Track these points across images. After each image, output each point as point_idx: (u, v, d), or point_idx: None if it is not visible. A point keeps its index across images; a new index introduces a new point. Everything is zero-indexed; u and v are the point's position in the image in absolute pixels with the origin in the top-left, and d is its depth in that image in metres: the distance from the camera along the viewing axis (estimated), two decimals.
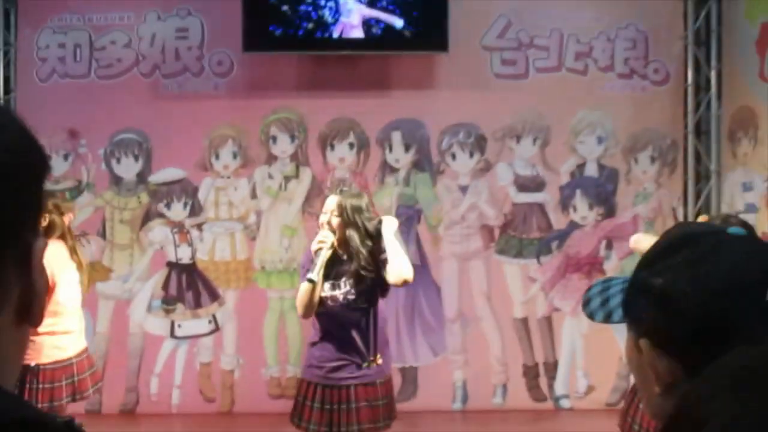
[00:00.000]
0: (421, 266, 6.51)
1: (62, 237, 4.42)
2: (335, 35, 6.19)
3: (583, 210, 6.70)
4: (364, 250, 3.81)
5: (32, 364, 4.05)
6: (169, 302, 6.48)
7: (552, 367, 6.63)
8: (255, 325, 6.52)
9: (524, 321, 6.66)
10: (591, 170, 6.68)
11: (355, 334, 3.85)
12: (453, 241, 6.62)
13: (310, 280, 3.72)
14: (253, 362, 6.52)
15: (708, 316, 0.92)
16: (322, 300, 3.84)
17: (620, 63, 6.66)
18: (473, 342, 6.57)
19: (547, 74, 6.63)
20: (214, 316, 6.52)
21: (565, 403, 6.58)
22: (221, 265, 6.53)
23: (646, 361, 0.98)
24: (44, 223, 4.17)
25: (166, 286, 6.50)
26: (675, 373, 0.95)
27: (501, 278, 6.63)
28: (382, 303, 4.04)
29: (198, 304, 6.51)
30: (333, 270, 3.83)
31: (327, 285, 3.84)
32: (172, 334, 6.48)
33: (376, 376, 3.91)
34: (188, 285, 6.50)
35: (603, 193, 6.68)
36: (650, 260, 1.02)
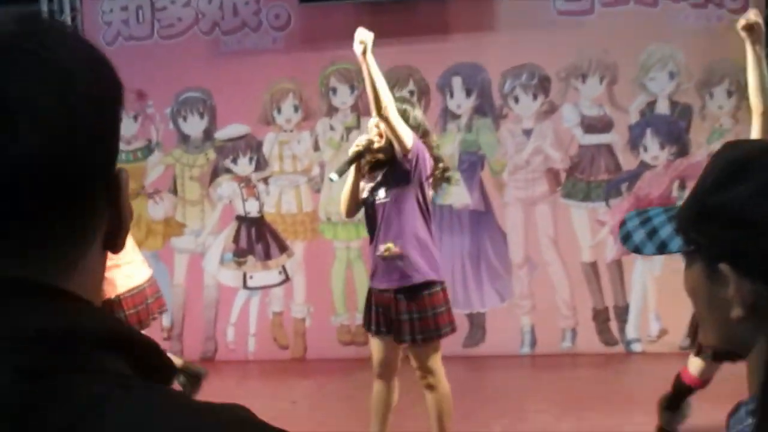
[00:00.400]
0: (486, 212, 6.11)
1: None
2: None
3: (654, 149, 6.20)
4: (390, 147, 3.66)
5: (113, 296, 4.23)
6: (240, 255, 6.28)
7: (623, 311, 6.11)
8: (323, 274, 6.23)
9: (593, 265, 6.32)
10: (662, 108, 6.00)
11: (384, 228, 3.71)
12: (518, 186, 6.13)
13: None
14: (323, 311, 6.28)
15: None
16: (363, 201, 3.77)
17: None
18: (540, 287, 6.10)
19: (613, 8, 5.91)
20: (283, 267, 6.29)
21: (636, 347, 6.08)
22: (288, 218, 6.26)
23: (728, 285, 0.93)
24: None
25: (236, 239, 6.29)
26: (761, 294, 0.91)
27: (568, 222, 6.08)
28: (411, 202, 3.73)
29: (268, 256, 6.29)
30: (374, 173, 3.76)
31: (367, 187, 3.77)
32: (245, 285, 6.31)
33: (409, 283, 3.69)
34: (257, 238, 6.28)
35: (675, 131, 5.99)
36: (715, 185, 0.95)
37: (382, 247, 3.71)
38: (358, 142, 3.71)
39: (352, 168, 3.71)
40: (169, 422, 0.60)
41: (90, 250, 0.68)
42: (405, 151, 3.63)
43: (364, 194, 3.76)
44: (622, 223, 1.07)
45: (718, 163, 0.98)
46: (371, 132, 3.74)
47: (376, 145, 3.69)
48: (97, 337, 0.63)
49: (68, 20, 6.26)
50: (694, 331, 3.69)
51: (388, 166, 3.70)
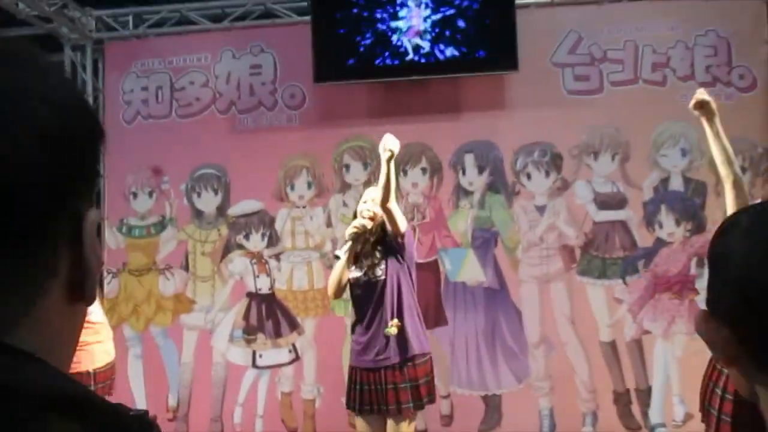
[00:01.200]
0: (500, 290, 5.90)
1: None
2: (405, 59, 5.92)
3: (669, 226, 5.98)
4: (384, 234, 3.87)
5: (90, 370, 4.27)
6: (250, 332, 6.05)
7: (645, 394, 5.76)
8: (334, 353, 5.95)
9: (612, 345, 5.97)
10: (676, 184, 5.87)
11: (380, 307, 3.81)
12: (532, 264, 5.93)
13: (337, 256, 3.85)
14: (334, 391, 5.92)
15: (752, 285, 0.81)
16: (349, 282, 3.87)
17: (701, 71, 5.92)
18: (558, 368, 5.79)
19: (622, 87, 5.91)
20: (293, 345, 6.04)
21: None
22: (299, 294, 6.07)
23: (708, 332, 0.88)
24: None
25: (246, 316, 6.08)
26: (731, 345, 0.85)
27: (584, 300, 5.84)
28: (406, 279, 3.89)
29: (278, 334, 6.05)
30: (361, 254, 3.87)
31: (354, 268, 3.90)
32: (254, 364, 6.05)
33: (399, 357, 3.77)
34: (268, 314, 6.07)
35: (691, 207, 5.84)
36: (721, 231, 0.92)
37: (391, 323, 3.79)
38: (355, 224, 3.85)
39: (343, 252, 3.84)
40: None
41: (46, 299, 0.59)
42: (400, 234, 3.85)
43: (356, 274, 3.88)
44: None
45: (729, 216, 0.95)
46: (364, 214, 3.90)
47: (370, 227, 3.86)
48: (44, 397, 0.53)
49: (90, 99, 6.21)
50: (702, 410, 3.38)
51: (381, 247, 3.86)
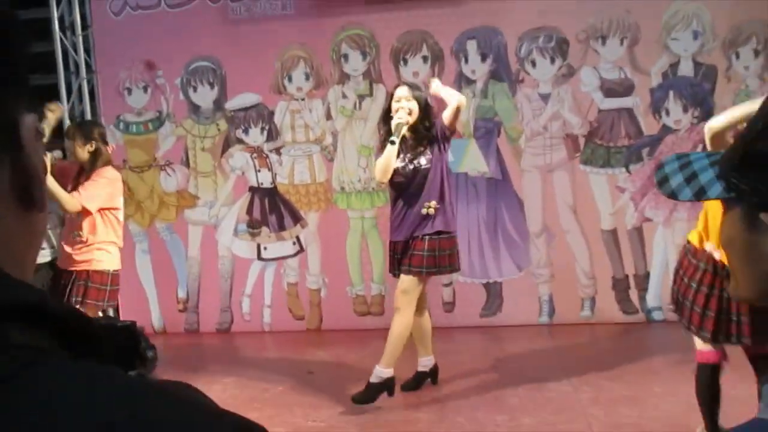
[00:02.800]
0: (503, 180, 5.66)
1: (108, 163, 4.20)
2: None
3: (676, 113, 5.54)
4: (421, 126, 4.10)
5: (111, 270, 4.17)
6: (254, 226, 5.89)
7: (643, 279, 5.64)
8: (338, 245, 5.83)
9: (613, 232, 5.71)
10: (686, 69, 5.45)
11: (423, 192, 4.08)
12: (535, 153, 5.62)
13: (392, 142, 3.95)
14: (338, 281, 5.87)
15: None
16: (394, 171, 4.08)
17: None
18: (559, 256, 5.65)
19: None
20: (297, 238, 5.89)
21: (657, 315, 5.60)
22: (301, 188, 5.84)
23: (759, 234, 0.80)
24: (90, 149, 4.09)
25: (250, 210, 5.90)
26: None
27: (587, 189, 5.60)
28: (445, 167, 4.16)
29: (282, 227, 5.89)
30: (402, 147, 4.07)
31: (397, 159, 4.08)
32: (259, 257, 5.92)
33: (432, 230, 4.09)
34: (271, 208, 5.88)
35: (699, 93, 5.44)
36: (765, 128, 0.80)
37: (428, 204, 4.08)
38: (400, 117, 4.01)
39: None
40: (84, 404, 0.47)
41: None
42: (453, 131, 4.19)
43: (399, 164, 4.09)
44: (660, 166, 0.91)
45: (766, 106, 0.83)
46: (400, 114, 4.03)
47: (409, 121, 4.06)
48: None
49: None
50: (675, 302, 3.38)
51: (426, 140, 4.10)
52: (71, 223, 4.10)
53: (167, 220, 6.01)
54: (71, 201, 3.94)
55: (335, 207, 5.85)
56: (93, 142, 4.07)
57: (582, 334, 5.57)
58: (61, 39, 5.75)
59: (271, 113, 5.83)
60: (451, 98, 4.10)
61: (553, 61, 5.58)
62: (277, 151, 5.87)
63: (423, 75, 5.66)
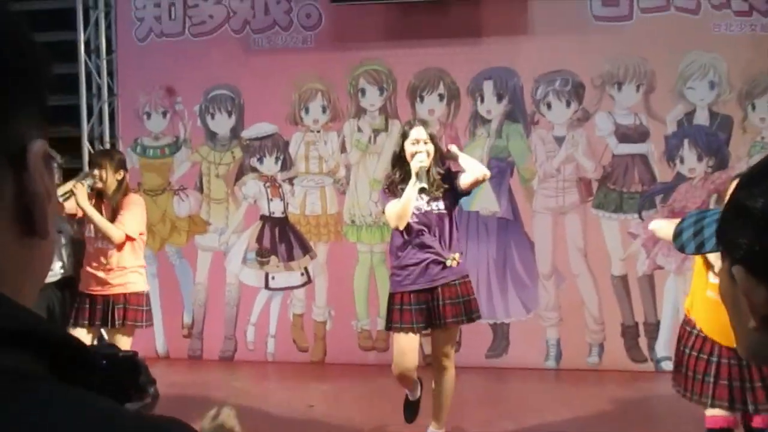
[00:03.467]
0: (514, 220, 5.63)
1: (129, 190, 4.37)
2: None
3: (691, 161, 5.50)
4: (441, 169, 3.97)
5: (146, 290, 4.29)
6: (263, 254, 5.87)
7: (653, 328, 5.54)
8: (345, 278, 5.80)
9: (623, 279, 5.63)
10: (701, 118, 5.43)
11: (436, 237, 3.91)
12: (547, 195, 5.59)
13: (423, 189, 3.79)
14: (344, 314, 5.82)
15: None
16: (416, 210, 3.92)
17: None
18: (568, 299, 5.57)
19: (652, 15, 5.38)
20: (306, 269, 5.86)
21: (666, 365, 5.38)
22: (312, 219, 5.83)
23: (741, 291, 0.79)
24: (119, 177, 4.19)
25: (260, 238, 5.89)
26: None
27: (598, 234, 5.55)
28: (456, 216, 4.06)
29: (290, 257, 5.87)
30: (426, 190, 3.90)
31: (423, 198, 3.90)
32: (267, 286, 5.90)
33: (455, 276, 3.94)
34: (281, 238, 5.87)
35: (714, 142, 5.41)
36: (751, 180, 0.81)
37: (452, 255, 3.93)
38: (421, 161, 3.84)
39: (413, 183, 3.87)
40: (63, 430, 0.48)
41: None
42: (468, 192, 4.06)
43: (419, 203, 3.92)
44: (681, 221, 0.95)
45: (764, 159, 0.84)
46: (420, 158, 3.85)
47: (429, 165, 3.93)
48: None
49: (102, 16, 5.70)
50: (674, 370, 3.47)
51: (448, 186, 3.94)
52: (99, 248, 4.16)
53: (177, 244, 6.01)
54: (116, 231, 4.07)
55: (345, 240, 5.83)
56: (122, 170, 4.20)
57: (589, 380, 5.46)
58: (85, 62, 5.85)
59: (287, 143, 5.86)
60: (473, 168, 3.91)
61: (568, 104, 5.59)
62: (290, 181, 5.88)
63: (438, 113, 5.69)
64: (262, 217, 5.92)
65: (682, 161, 5.50)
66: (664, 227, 3.34)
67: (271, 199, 5.88)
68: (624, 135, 5.54)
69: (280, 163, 5.87)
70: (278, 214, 5.90)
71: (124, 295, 4.17)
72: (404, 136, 3.93)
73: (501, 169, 5.66)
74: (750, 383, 3.14)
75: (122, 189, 4.19)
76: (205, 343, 6.03)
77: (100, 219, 4.02)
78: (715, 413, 3.32)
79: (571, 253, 5.63)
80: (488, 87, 5.64)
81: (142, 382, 0.82)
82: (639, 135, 5.53)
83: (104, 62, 5.91)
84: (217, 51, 5.81)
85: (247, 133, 5.90)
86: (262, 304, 5.95)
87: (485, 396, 5.19)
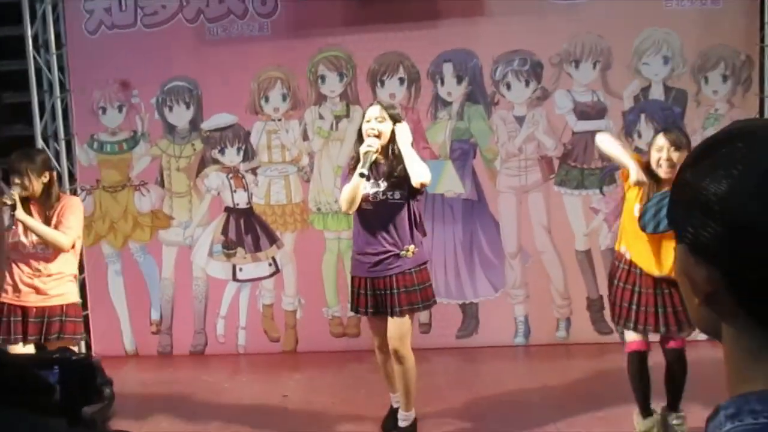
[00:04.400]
0: (479, 201, 5.66)
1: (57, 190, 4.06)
2: None
3: (648, 135, 5.54)
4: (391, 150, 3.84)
5: (78, 301, 4.09)
6: (229, 247, 5.79)
7: None
8: (314, 266, 5.77)
9: (587, 253, 5.72)
10: (657, 93, 5.52)
11: (391, 226, 3.84)
12: (510, 174, 5.63)
13: (362, 174, 3.68)
14: (314, 303, 5.80)
15: (742, 219, 0.73)
16: (363, 197, 3.81)
17: None
18: (534, 276, 5.65)
19: None
20: (273, 259, 5.80)
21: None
22: (277, 209, 5.76)
23: (683, 269, 0.80)
24: (45, 180, 3.89)
25: (225, 231, 5.80)
26: (714, 282, 0.76)
27: (561, 210, 5.62)
28: (418, 208, 3.95)
29: (257, 248, 5.80)
30: (373, 171, 3.81)
31: (367, 184, 3.80)
32: (234, 278, 5.83)
33: (411, 265, 3.89)
34: (247, 229, 5.79)
35: (670, 116, 5.48)
36: (694, 159, 0.80)
37: (407, 248, 3.87)
38: (369, 143, 3.75)
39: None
40: None
41: None
42: (419, 192, 3.88)
43: (372, 190, 3.82)
44: (647, 200, 1.01)
45: (709, 137, 0.84)
46: (369, 133, 3.79)
47: (379, 145, 3.80)
48: None
49: (49, 9, 5.51)
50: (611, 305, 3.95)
51: (403, 174, 3.78)
52: (34, 255, 3.87)
53: (141, 240, 5.89)
54: (65, 238, 3.80)
55: (311, 228, 5.79)
56: (47, 171, 3.90)
57: (558, 354, 5.56)
58: (35, 57, 5.65)
59: (248, 133, 5.77)
60: (415, 174, 3.71)
61: (527, 84, 5.61)
62: (254, 171, 5.80)
63: (400, 97, 5.66)
64: (227, 209, 5.84)
65: (639, 136, 5.58)
66: (606, 142, 3.90)
67: (235, 191, 5.80)
68: (582, 112, 5.61)
69: (242, 153, 5.78)
70: (243, 205, 5.82)
71: (62, 306, 3.93)
72: (363, 116, 3.93)
73: (464, 150, 5.68)
74: (663, 309, 3.65)
75: (52, 192, 3.90)
76: (175, 339, 5.95)
77: (45, 229, 3.77)
78: (632, 338, 3.84)
79: (535, 231, 5.69)
80: (448, 69, 5.63)
81: (99, 384, 0.80)
82: (597, 112, 5.60)
83: (54, 57, 5.71)
84: (171, 42, 5.66)
85: (206, 125, 5.79)
86: (231, 296, 5.89)
87: (458, 377, 5.22)
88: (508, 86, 5.63)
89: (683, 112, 5.54)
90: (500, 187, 5.68)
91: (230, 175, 5.80)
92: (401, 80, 5.66)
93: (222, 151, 5.79)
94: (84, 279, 5.84)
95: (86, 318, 5.99)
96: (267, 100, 5.73)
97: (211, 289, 5.91)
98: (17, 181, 3.78)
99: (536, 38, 5.52)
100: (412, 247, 3.86)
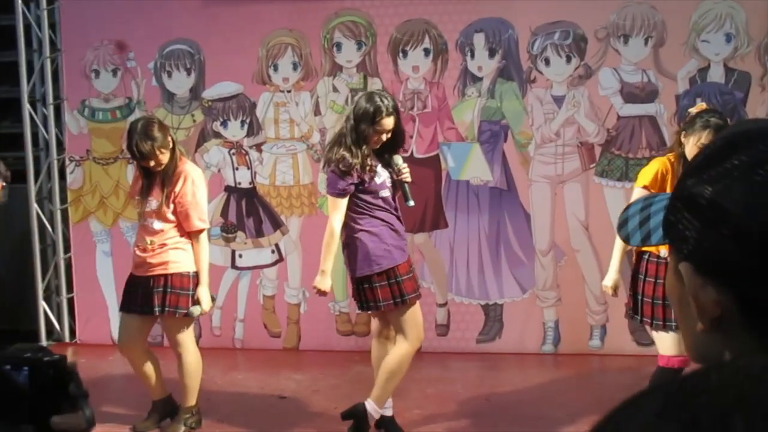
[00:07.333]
0: (508, 190, 5.29)
1: None
2: None
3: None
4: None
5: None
6: (228, 230, 5.47)
7: None
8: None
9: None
10: (716, 75, 5.05)
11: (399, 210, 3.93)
12: (545, 162, 5.22)
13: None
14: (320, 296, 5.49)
15: (763, 231, 0.67)
16: (380, 185, 3.78)
17: None
18: (567, 277, 5.24)
19: None
20: (277, 246, 5.48)
21: None
22: (283, 190, 5.43)
23: (688, 291, 0.73)
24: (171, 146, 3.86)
25: (225, 212, 5.49)
26: (724, 306, 0.70)
27: (601, 204, 5.19)
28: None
29: (259, 233, 5.48)
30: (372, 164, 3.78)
31: (377, 176, 3.80)
32: (233, 265, 5.51)
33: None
34: (248, 211, 5.48)
35: (730, 102, 5.02)
36: (700, 165, 0.74)
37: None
38: (407, 174, 3.83)
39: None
40: None
41: None
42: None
43: (386, 174, 3.82)
44: (626, 207, 0.86)
45: (715, 140, 0.77)
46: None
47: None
48: None
49: None
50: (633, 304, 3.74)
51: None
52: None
53: (133, 219, 5.50)
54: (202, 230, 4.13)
55: (320, 213, 5.38)
56: (169, 137, 3.83)
57: (590, 365, 5.26)
58: (23, 12, 5.38)
59: (253, 105, 5.43)
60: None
61: (569, 59, 5.17)
62: (258, 147, 5.47)
63: (424, 70, 5.31)
64: (227, 188, 5.51)
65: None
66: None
67: (237, 168, 5.47)
68: (630, 94, 5.15)
69: (246, 127, 5.46)
70: (245, 184, 5.50)
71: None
72: (374, 114, 3.56)
73: (494, 133, 5.28)
74: None
75: (174, 159, 3.83)
76: None
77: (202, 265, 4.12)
78: (670, 350, 3.50)
79: (571, 226, 5.27)
80: (479, 40, 5.22)
81: (72, 392, 0.76)
82: (647, 94, 5.13)
83: (45, 13, 5.45)
84: (173, 0, 5.36)
85: (208, 94, 5.46)
86: (229, 285, 5.56)
87: (476, 385, 4.99)
88: (547, 62, 5.19)
89: (745, 97, 5.06)
90: (533, 176, 5.27)
91: (232, 151, 5.48)
92: (426, 51, 5.27)
93: (224, 124, 5.46)
94: (70, 259, 5.49)
95: (71, 302, 5.65)
96: (276, 68, 5.39)
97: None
98: (152, 164, 3.73)
99: (580, 8, 5.09)
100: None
